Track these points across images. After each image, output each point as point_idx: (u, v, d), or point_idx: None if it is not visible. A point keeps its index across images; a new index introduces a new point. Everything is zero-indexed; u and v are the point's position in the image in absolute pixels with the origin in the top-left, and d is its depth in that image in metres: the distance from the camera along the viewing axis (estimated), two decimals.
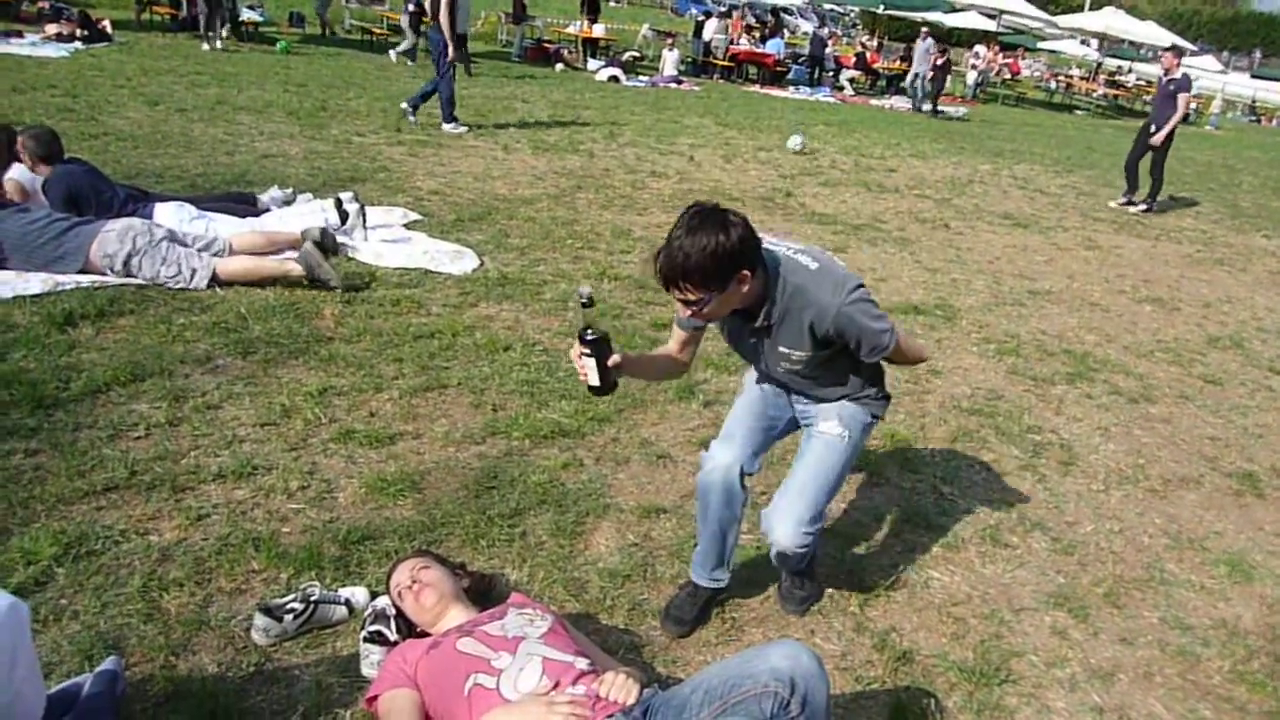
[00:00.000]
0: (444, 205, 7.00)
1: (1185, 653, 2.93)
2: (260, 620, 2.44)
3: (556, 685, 2.04)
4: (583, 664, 2.13)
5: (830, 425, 2.62)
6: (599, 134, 11.45)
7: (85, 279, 4.62)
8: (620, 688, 2.03)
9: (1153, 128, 10.67)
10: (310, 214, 5.79)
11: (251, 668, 2.36)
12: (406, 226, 6.24)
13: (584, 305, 2.38)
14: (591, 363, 2.40)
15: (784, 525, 2.51)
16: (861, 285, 2.40)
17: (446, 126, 10.23)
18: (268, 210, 6.00)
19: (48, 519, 2.82)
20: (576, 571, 2.91)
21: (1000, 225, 9.09)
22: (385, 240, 5.78)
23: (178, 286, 4.67)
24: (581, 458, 3.54)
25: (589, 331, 2.38)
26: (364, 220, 5.74)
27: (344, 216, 5.65)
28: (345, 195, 5.79)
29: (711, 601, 2.80)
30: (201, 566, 2.70)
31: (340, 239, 5.58)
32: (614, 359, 2.41)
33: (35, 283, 4.50)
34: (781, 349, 2.48)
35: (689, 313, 2.33)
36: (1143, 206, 10.85)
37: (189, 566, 2.69)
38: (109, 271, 4.66)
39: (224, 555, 2.76)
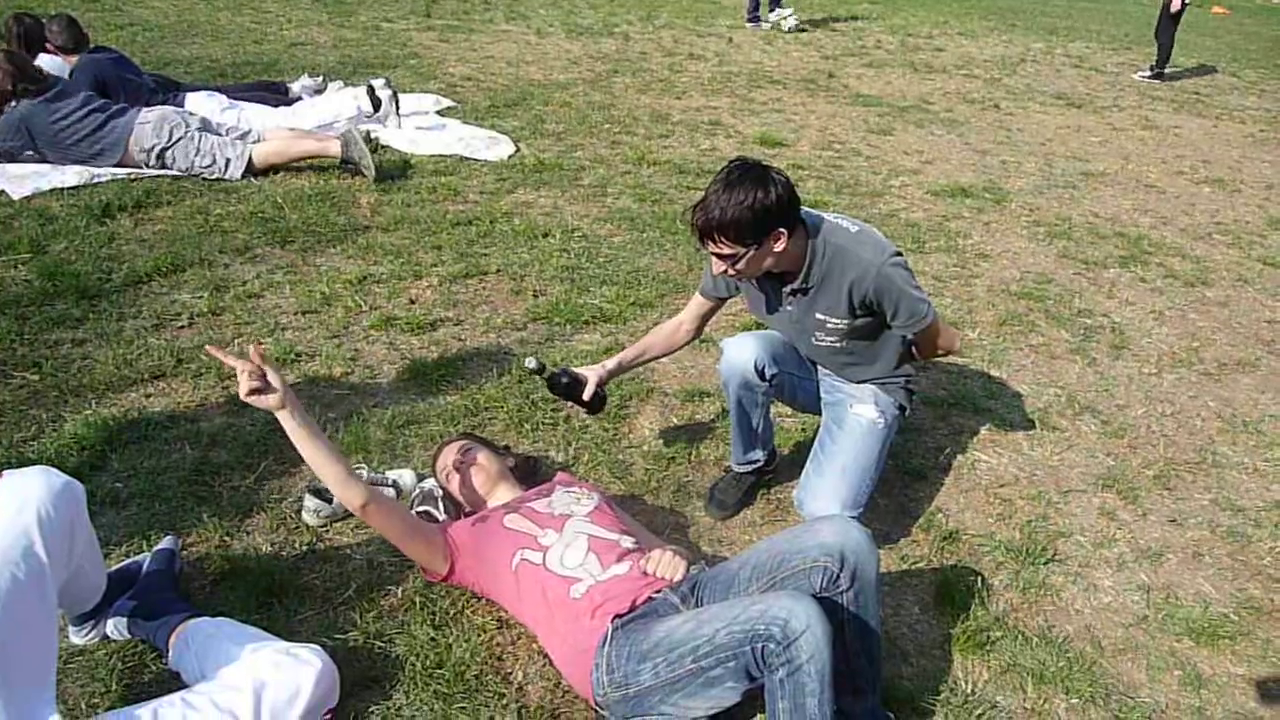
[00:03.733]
0: (477, 91, 6.85)
1: (1235, 534, 2.89)
2: (310, 501, 2.47)
3: (602, 562, 2.06)
4: (628, 542, 2.14)
5: (866, 409, 2.55)
6: (634, 16, 11.08)
7: (121, 171, 4.60)
8: (667, 565, 2.04)
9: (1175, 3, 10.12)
10: (342, 101, 5.69)
11: (304, 547, 2.41)
12: (440, 113, 6.13)
13: (533, 373, 2.56)
14: (570, 401, 2.61)
15: (827, 508, 2.39)
16: (900, 254, 2.36)
17: None
18: (299, 99, 5.90)
19: (98, 406, 2.87)
20: (621, 454, 2.92)
21: (1053, 105, 8.74)
22: (419, 128, 5.68)
23: (213, 176, 4.63)
24: (624, 342, 3.50)
25: (550, 387, 2.59)
26: (397, 107, 5.63)
27: (376, 103, 5.55)
28: (378, 82, 5.68)
29: (756, 484, 2.80)
30: (250, 451, 2.73)
31: (373, 126, 5.50)
32: (589, 389, 2.56)
33: (71, 175, 4.49)
34: (818, 315, 2.42)
35: (723, 267, 2.28)
36: (1147, 73, 10.42)
37: (238, 451, 2.73)
38: (144, 164, 4.62)
39: (271, 440, 2.78)
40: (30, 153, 4.55)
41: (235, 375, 1.92)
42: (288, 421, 1.94)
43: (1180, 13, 10.20)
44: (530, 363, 2.53)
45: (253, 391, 1.89)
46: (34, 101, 4.49)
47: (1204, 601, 2.58)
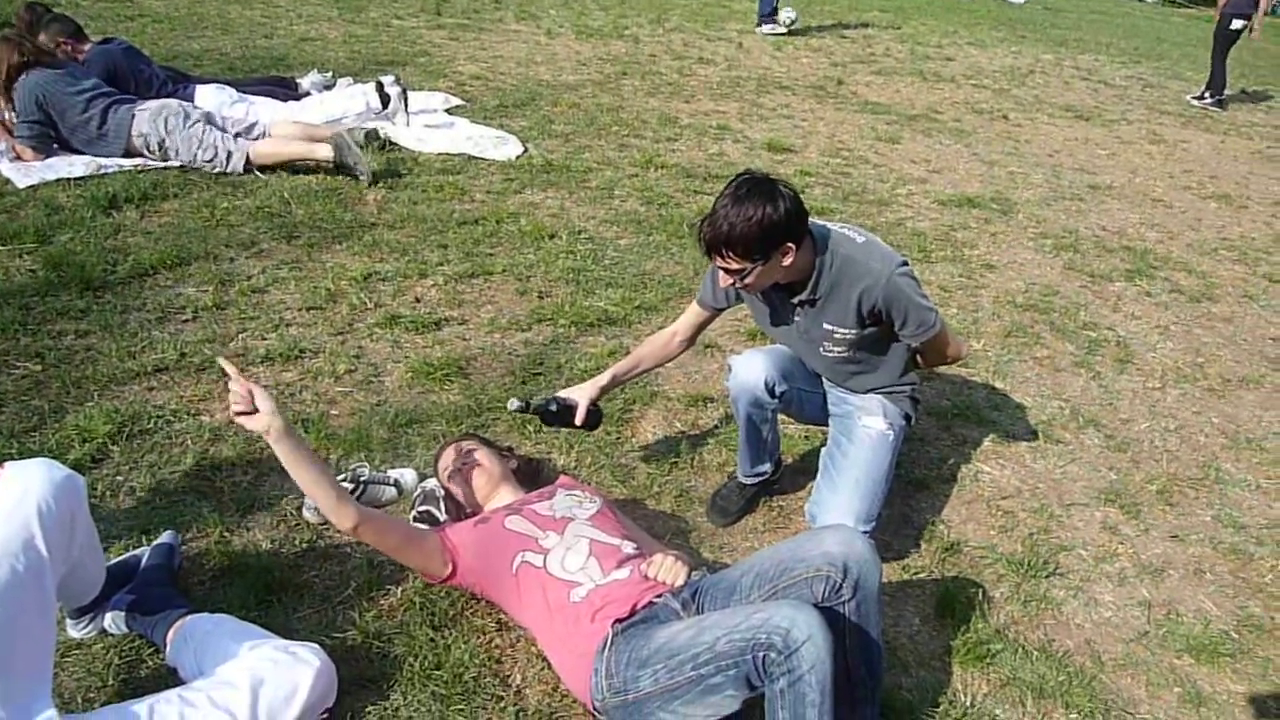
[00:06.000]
0: (486, 90, 6.85)
1: (1238, 551, 2.88)
2: (311, 499, 2.46)
3: (603, 567, 2.05)
4: (629, 547, 2.14)
5: (876, 421, 2.53)
6: (644, 19, 11.08)
7: (128, 162, 4.59)
8: (669, 570, 2.04)
9: (1235, 22, 10.01)
10: (351, 97, 5.68)
11: (304, 544, 2.40)
12: (448, 111, 6.11)
13: (520, 412, 2.56)
14: (565, 427, 2.63)
15: (841, 523, 2.31)
16: (907, 263, 2.36)
17: None
18: (308, 94, 5.89)
19: (100, 398, 2.86)
20: (623, 458, 2.91)
21: (1061, 117, 8.73)
22: (427, 125, 5.67)
23: (215, 170, 4.63)
24: (628, 345, 3.49)
25: (543, 420, 2.61)
26: (405, 104, 5.62)
27: (385, 100, 5.53)
28: (387, 79, 5.66)
29: (759, 493, 2.79)
30: (252, 446, 2.73)
31: (381, 123, 5.49)
32: (581, 410, 2.56)
33: (79, 165, 4.49)
34: (826, 325, 2.42)
35: (730, 281, 2.28)
36: (1209, 100, 10.32)
37: (240, 446, 2.72)
38: (146, 153, 4.63)
39: None
40: (49, 135, 4.54)
41: (241, 370, 1.92)
42: (276, 445, 1.91)
43: (1238, 33, 10.08)
44: (513, 404, 2.52)
45: (241, 414, 1.89)
46: (47, 71, 4.51)
47: (1205, 618, 2.58)
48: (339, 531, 2.05)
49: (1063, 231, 5.50)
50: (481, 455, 2.41)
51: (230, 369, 1.91)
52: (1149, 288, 4.83)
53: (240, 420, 1.90)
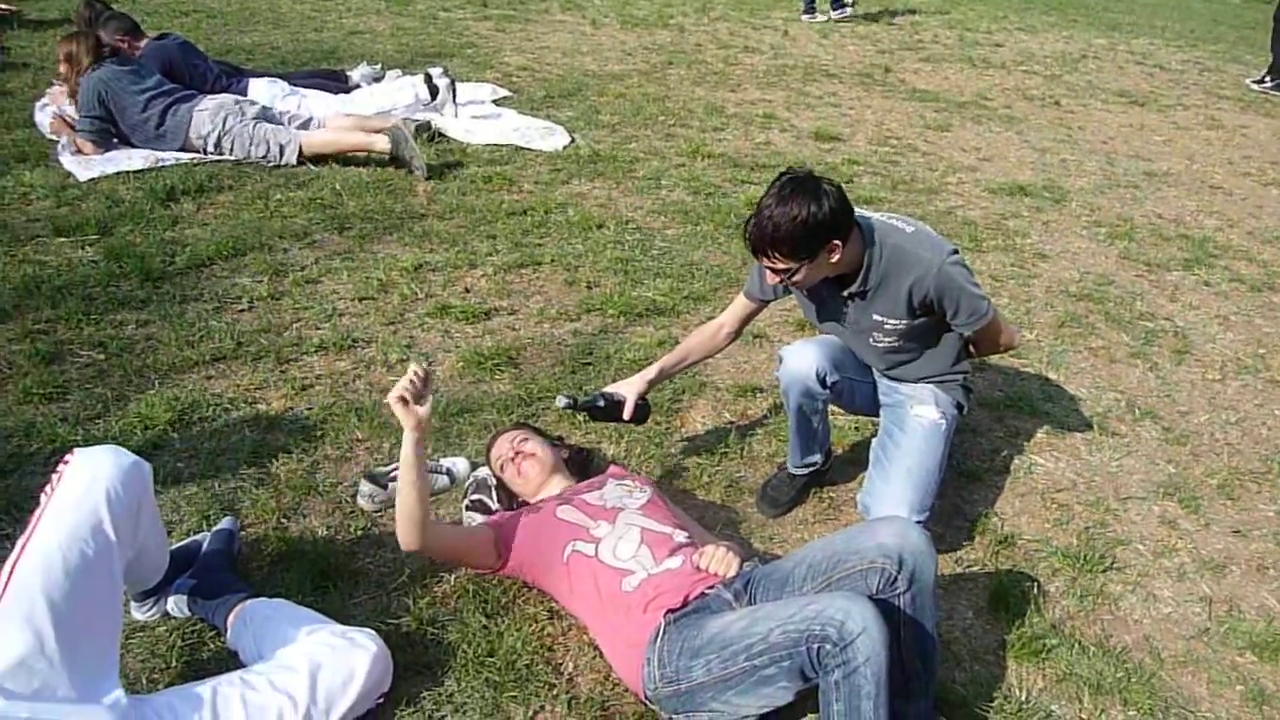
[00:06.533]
0: (533, 81, 6.87)
1: None
2: (366, 487, 2.50)
3: (655, 555, 2.05)
4: (681, 536, 2.14)
5: (928, 410, 2.50)
6: (690, 7, 11.03)
7: (185, 156, 4.69)
8: (720, 560, 2.03)
9: None
10: (399, 89, 5.73)
11: (359, 531, 2.43)
12: (496, 103, 6.15)
13: (568, 410, 2.55)
14: (613, 422, 2.62)
15: (894, 514, 2.29)
16: (958, 251, 2.33)
17: None
18: (358, 87, 5.96)
19: (161, 387, 2.92)
20: (673, 448, 2.91)
21: (1115, 103, 8.54)
22: (475, 116, 5.71)
23: (269, 165, 4.70)
24: (677, 335, 3.49)
25: (591, 417, 2.62)
26: (454, 95, 5.67)
27: (434, 91, 5.58)
28: (435, 70, 5.72)
29: (809, 484, 2.77)
30: (308, 435, 2.77)
31: (430, 115, 5.53)
32: (629, 405, 2.54)
33: (138, 159, 4.59)
34: (876, 316, 2.40)
35: (778, 280, 2.27)
36: (1269, 84, 10.02)
37: (296, 434, 2.77)
38: (204, 151, 4.71)
39: (328, 424, 2.82)
40: (109, 131, 4.64)
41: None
42: (413, 445, 1.99)
43: None
44: (561, 401, 2.51)
45: (402, 399, 1.95)
46: (113, 66, 4.60)
47: (1268, 615, 2.52)
48: (403, 548, 2.09)
49: (1117, 219, 5.39)
50: (534, 445, 2.43)
51: (423, 369, 2.02)
52: (1208, 277, 4.71)
53: (396, 406, 1.96)
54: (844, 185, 2.21)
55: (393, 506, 2.48)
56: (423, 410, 1.97)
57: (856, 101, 7.49)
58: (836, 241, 2.19)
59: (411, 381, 1.96)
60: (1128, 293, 4.41)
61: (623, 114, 6.32)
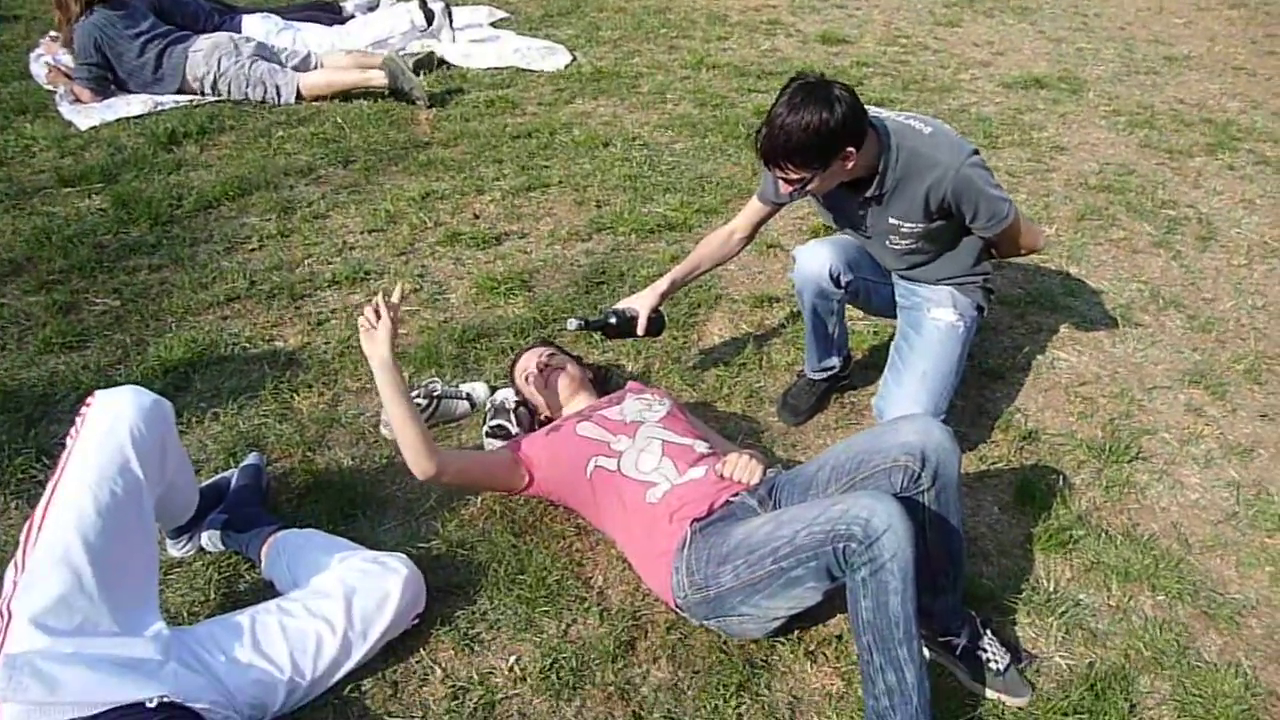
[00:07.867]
0: (530, 1, 6.70)
1: None
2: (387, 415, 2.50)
3: (678, 467, 2.06)
4: (702, 447, 2.14)
5: (945, 312, 2.45)
6: None
7: (183, 98, 4.63)
8: (744, 468, 2.04)
9: None
10: (395, 16, 5.61)
11: (384, 460, 2.45)
12: (493, 25, 6.02)
13: (581, 331, 2.57)
14: (629, 337, 2.62)
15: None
16: (978, 151, 2.26)
17: None
18: (352, 17, 5.83)
19: (178, 329, 2.93)
20: (691, 362, 2.90)
21: None
22: (473, 40, 5.59)
23: (268, 105, 4.64)
24: (689, 250, 3.43)
25: (605, 335, 2.61)
26: (450, 20, 5.54)
27: (430, 17, 5.46)
28: None
29: (829, 390, 2.76)
30: (327, 368, 2.78)
31: (427, 41, 5.43)
32: (643, 319, 2.52)
33: (137, 104, 4.54)
34: (892, 219, 2.34)
35: (792, 189, 2.20)
36: None
37: (315, 369, 2.78)
38: (200, 93, 4.66)
39: (346, 357, 2.83)
40: (107, 78, 4.59)
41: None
42: (378, 373, 2.01)
43: None
44: (572, 324, 2.49)
45: (367, 327, 1.99)
46: (105, 11, 4.53)
47: None
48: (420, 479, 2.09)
49: (1137, 107, 5.25)
50: (561, 360, 2.43)
51: (396, 294, 2.07)
52: (1232, 161, 4.60)
53: (363, 336, 2.00)
54: (854, 89, 2.15)
55: None
56: (380, 344, 1.99)
57: (864, 1, 7.27)
58: (851, 149, 2.14)
59: (375, 311, 1.99)
60: (1149, 182, 4.31)
61: (624, 29, 6.17)
